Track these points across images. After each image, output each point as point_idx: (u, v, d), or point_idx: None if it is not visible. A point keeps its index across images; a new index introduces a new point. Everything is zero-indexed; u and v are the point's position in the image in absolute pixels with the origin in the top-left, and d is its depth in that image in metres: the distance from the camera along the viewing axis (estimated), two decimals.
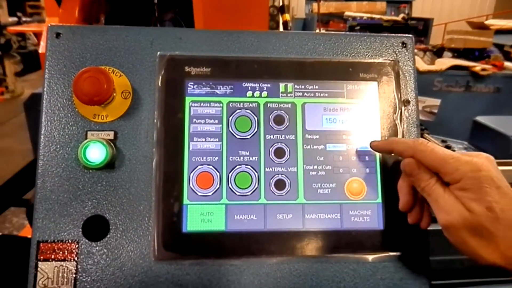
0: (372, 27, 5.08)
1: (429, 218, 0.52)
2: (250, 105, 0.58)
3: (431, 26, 5.68)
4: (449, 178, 0.46)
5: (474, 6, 9.09)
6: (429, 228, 0.53)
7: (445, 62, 3.24)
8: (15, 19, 5.87)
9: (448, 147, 1.05)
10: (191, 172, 0.55)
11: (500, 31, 3.97)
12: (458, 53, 3.60)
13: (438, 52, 3.57)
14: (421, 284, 0.55)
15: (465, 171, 0.45)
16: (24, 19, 6.03)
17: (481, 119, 1.56)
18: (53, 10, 1.16)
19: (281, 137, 0.57)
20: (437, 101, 1.39)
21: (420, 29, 5.51)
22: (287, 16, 1.35)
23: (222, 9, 0.96)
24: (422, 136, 1.10)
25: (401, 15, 5.67)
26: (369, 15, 5.49)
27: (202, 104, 0.57)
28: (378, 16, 5.43)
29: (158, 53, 0.57)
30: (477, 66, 3.11)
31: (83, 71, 0.51)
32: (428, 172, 0.48)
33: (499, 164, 1.14)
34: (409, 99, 0.60)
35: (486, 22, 4.38)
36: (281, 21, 1.36)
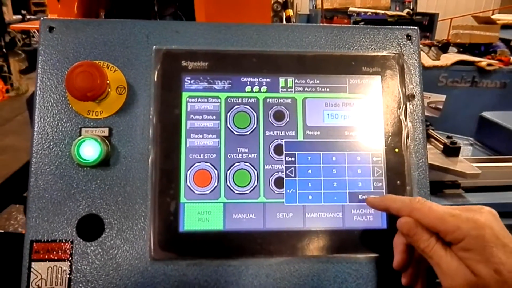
0: (376, 22, 5.05)
1: (425, 282, 0.49)
2: (249, 100, 0.56)
3: (437, 21, 5.65)
4: (450, 238, 0.42)
5: (480, 1, 9.00)
6: None
7: (451, 57, 3.21)
8: (19, 17, 5.88)
9: (453, 143, 1.02)
10: (188, 169, 0.53)
11: (506, 26, 3.93)
12: (463, 48, 3.56)
13: (444, 47, 3.53)
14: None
15: (467, 230, 0.41)
16: (28, 17, 6.03)
17: (487, 114, 1.53)
18: (56, 7, 1.14)
19: (281, 133, 0.55)
20: (442, 97, 1.36)
21: (425, 24, 5.48)
22: (290, 12, 1.33)
23: (224, 4, 0.94)
24: (427, 132, 1.07)
25: (406, 10, 5.64)
26: (373, 10, 5.46)
27: (199, 100, 0.55)
28: (382, 12, 5.40)
29: (154, 47, 0.55)
30: (483, 61, 3.08)
31: (76, 65, 0.50)
32: (427, 231, 0.44)
33: (506, 160, 1.11)
34: (414, 94, 0.58)
35: (492, 17, 4.34)
36: (284, 17, 1.34)
